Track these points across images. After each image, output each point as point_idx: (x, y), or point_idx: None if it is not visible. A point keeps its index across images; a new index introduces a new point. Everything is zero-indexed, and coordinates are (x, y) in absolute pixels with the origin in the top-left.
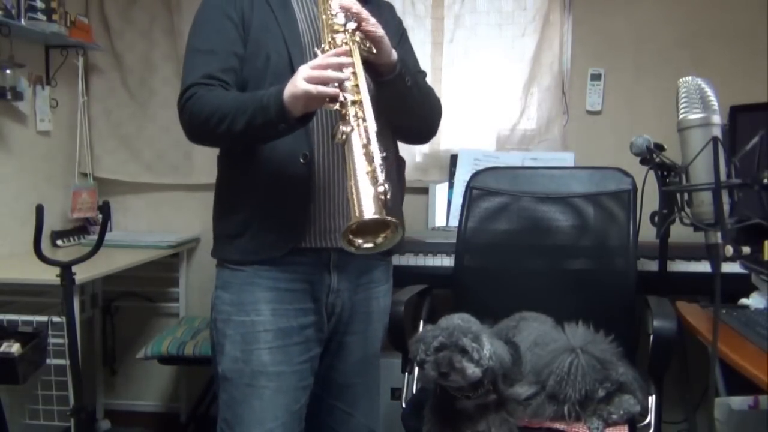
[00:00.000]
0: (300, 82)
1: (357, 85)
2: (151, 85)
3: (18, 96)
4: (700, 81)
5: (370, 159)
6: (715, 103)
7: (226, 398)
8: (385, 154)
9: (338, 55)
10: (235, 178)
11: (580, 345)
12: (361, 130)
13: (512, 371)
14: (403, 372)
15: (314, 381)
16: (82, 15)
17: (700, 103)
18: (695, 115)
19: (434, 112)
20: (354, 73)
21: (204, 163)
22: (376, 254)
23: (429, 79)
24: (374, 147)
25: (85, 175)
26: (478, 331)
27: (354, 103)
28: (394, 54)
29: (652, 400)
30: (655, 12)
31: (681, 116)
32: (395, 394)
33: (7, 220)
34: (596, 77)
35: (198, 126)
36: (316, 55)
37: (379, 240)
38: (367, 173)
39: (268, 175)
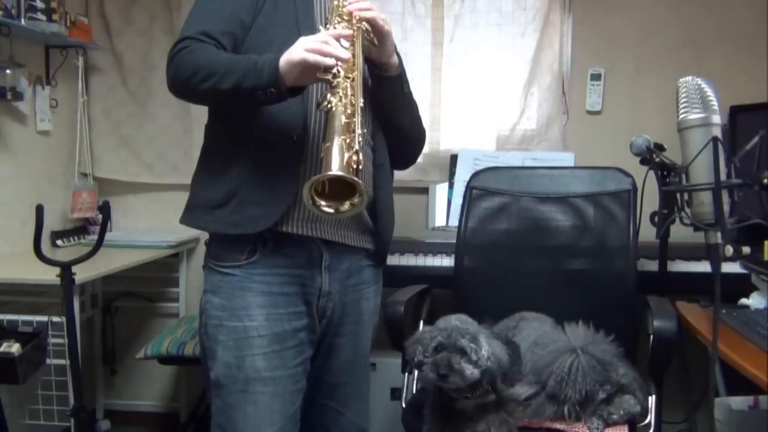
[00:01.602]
0: (298, 50)
1: (354, 65)
2: (151, 84)
3: (18, 96)
4: (700, 81)
5: (350, 129)
6: (715, 103)
7: (220, 404)
8: (366, 130)
9: (340, 36)
10: (224, 148)
11: (581, 345)
12: (348, 103)
13: (511, 371)
14: (403, 372)
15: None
16: (82, 15)
17: (700, 103)
18: (695, 115)
19: (420, 135)
20: (353, 55)
21: None
22: (367, 255)
23: (429, 79)
24: (357, 120)
25: (85, 175)
26: (476, 331)
27: (347, 78)
28: (396, 58)
29: (652, 400)
30: (655, 12)
31: (681, 116)
32: (395, 394)
33: (7, 220)
34: (596, 77)
35: (183, 78)
36: (319, 31)
37: (344, 207)
38: (344, 140)
39: (258, 149)
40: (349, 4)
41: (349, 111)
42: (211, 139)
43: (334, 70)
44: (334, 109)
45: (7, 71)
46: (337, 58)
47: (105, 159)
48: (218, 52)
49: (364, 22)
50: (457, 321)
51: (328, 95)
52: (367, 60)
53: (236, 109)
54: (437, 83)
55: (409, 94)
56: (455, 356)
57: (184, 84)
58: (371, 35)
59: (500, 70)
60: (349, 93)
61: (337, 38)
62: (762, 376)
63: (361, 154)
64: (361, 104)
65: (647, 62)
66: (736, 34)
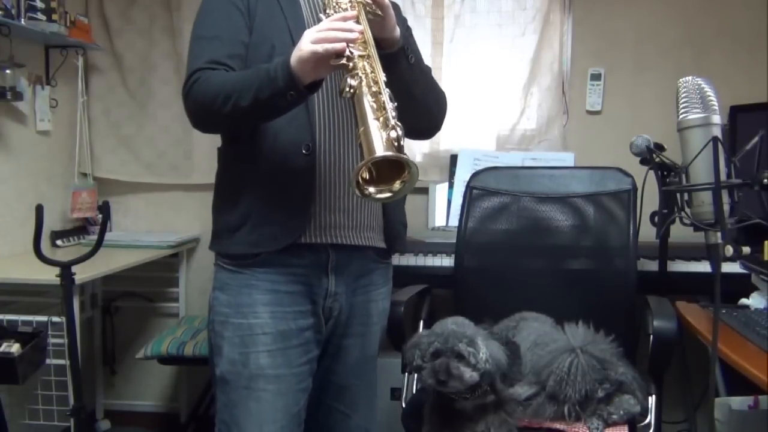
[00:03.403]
0: (306, 45)
1: (365, 42)
2: (151, 84)
3: (18, 96)
4: (700, 81)
5: (380, 107)
6: (715, 103)
7: (225, 400)
8: (396, 103)
9: (345, 18)
10: (235, 170)
11: (580, 345)
12: (370, 80)
13: (510, 371)
14: (403, 372)
15: (312, 383)
16: (81, 15)
17: (700, 103)
18: (695, 115)
19: (439, 102)
20: (361, 32)
21: (204, 162)
22: (376, 257)
23: None
24: (385, 96)
25: (85, 175)
26: (473, 334)
27: (362, 57)
28: (398, 30)
29: (652, 400)
30: (656, 12)
31: (681, 116)
32: (395, 394)
33: (7, 220)
34: (596, 77)
35: (203, 109)
36: (320, 20)
37: (396, 186)
38: (378, 119)
39: (269, 167)
40: None
41: (374, 89)
42: (224, 162)
43: (347, 53)
44: (357, 91)
45: (7, 71)
46: (346, 40)
47: (105, 159)
48: (227, 74)
49: None
50: (453, 325)
51: (348, 79)
52: None
53: (260, 124)
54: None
55: (418, 63)
56: (453, 361)
57: (206, 114)
58: (373, 8)
59: (500, 70)
60: (368, 71)
61: (341, 21)
62: (762, 376)
63: (399, 129)
64: (384, 79)
65: (647, 62)
66: (736, 34)
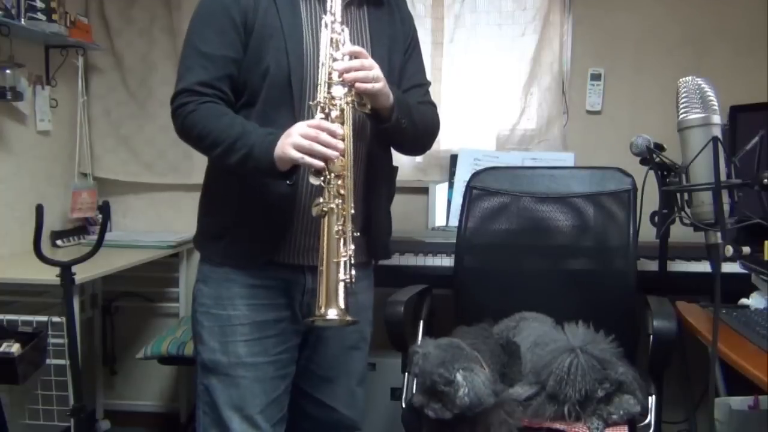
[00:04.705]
0: (289, 149)
1: (343, 155)
2: (151, 84)
3: (18, 96)
4: (700, 81)
5: (345, 241)
6: (715, 103)
7: (206, 384)
8: (358, 233)
9: (332, 133)
10: (223, 181)
11: (580, 345)
12: (339, 209)
13: (498, 396)
14: (403, 372)
15: (296, 372)
16: (82, 15)
17: (700, 103)
18: (695, 115)
19: (427, 136)
20: (344, 137)
21: (204, 162)
22: (358, 256)
23: (428, 79)
24: (348, 228)
25: (85, 175)
26: (454, 370)
27: (338, 177)
28: (391, 98)
29: (652, 400)
30: (656, 12)
31: (681, 116)
32: (395, 394)
33: (7, 220)
34: (596, 77)
35: (189, 140)
36: (310, 112)
37: (336, 321)
38: (336, 263)
39: (254, 190)
40: (339, 62)
41: (341, 220)
42: (211, 169)
43: (324, 174)
44: (329, 218)
45: (7, 71)
46: (326, 158)
47: (105, 159)
48: (219, 116)
49: (353, 93)
50: (435, 363)
51: (320, 200)
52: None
53: None
54: (437, 83)
55: (411, 120)
56: (431, 405)
57: (191, 145)
58: (363, 100)
59: (500, 70)
60: (340, 195)
61: (331, 134)
62: (762, 376)
63: (352, 272)
64: (353, 211)
65: (647, 62)
66: (736, 34)
